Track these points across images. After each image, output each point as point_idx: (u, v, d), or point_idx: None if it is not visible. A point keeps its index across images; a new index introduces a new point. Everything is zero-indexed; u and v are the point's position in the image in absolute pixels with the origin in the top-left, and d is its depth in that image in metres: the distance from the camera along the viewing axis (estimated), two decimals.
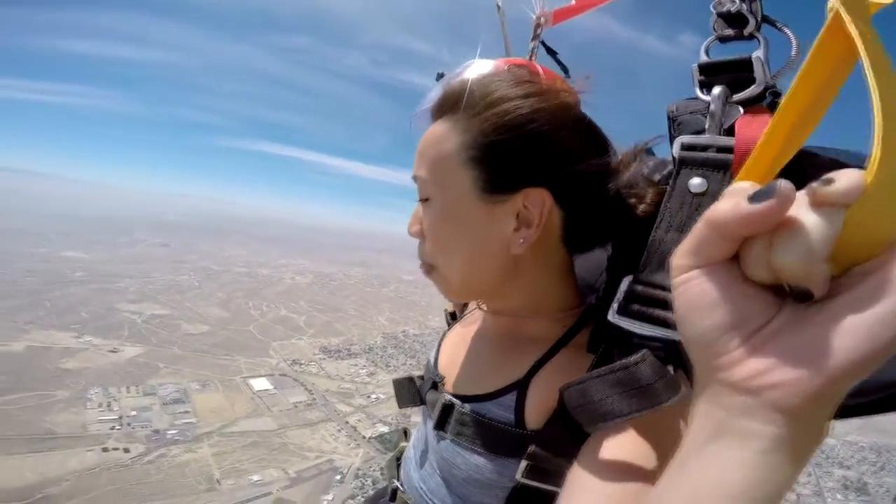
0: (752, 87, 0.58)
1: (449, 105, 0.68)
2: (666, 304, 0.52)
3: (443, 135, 0.67)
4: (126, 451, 43.93)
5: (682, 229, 0.55)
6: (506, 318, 0.77)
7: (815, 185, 0.28)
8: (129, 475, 41.12)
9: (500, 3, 1.37)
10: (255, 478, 44.47)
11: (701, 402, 0.35)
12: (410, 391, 0.88)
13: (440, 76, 1.15)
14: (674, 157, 0.59)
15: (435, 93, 1.12)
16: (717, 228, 0.32)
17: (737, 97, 0.59)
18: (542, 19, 1.36)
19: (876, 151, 0.26)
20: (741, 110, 0.58)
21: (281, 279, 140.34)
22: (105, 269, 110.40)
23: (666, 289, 0.53)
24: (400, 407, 0.90)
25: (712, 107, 0.59)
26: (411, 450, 0.89)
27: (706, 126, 0.59)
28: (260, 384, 64.01)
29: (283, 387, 64.80)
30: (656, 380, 0.50)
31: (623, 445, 0.51)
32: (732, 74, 0.60)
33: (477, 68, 1.06)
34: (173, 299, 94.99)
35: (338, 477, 46.51)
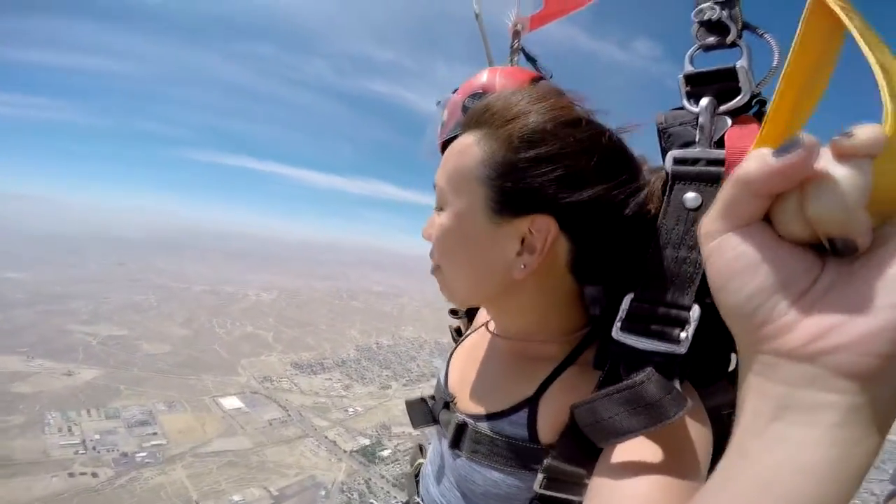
0: (738, 97, 0.58)
1: (475, 119, 0.67)
2: (666, 320, 0.54)
3: (466, 147, 0.66)
4: (94, 475, 41.21)
5: (679, 245, 0.55)
6: (512, 340, 0.77)
7: (836, 138, 0.27)
8: (101, 500, 38.64)
9: (477, 12, 1.46)
10: (236, 498, 42.57)
11: (751, 379, 0.33)
12: (423, 411, 0.88)
13: (439, 104, 1.24)
14: (666, 172, 0.59)
15: (437, 121, 1.25)
16: (746, 185, 0.30)
17: (724, 108, 0.59)
18: (520, 25, 1.46)
19: (887, 103, 0.27)
20: (729, 122, 0.58)
21: (245, 296, 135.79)
22: (52, 290, 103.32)
23: (665, 305, 0.55)
24: (414, 427, 0.89)
25: (701, 119, 0.59)
26: (428, 466, 0.89)
27: (696, 139, 0.59)
28: (230, 403, 61.47)
29: (256, 405, 62.45)
30: (662, 396, 0.50)
31: (636, 456, 0.52)
32: (718, 84, 0.60)
33: (469, 86, 1.14)
34: (131, 319, 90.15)
35: (322, 492, 45.18)
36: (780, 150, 0.28)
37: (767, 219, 0.32)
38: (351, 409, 65.09)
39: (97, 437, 46.84)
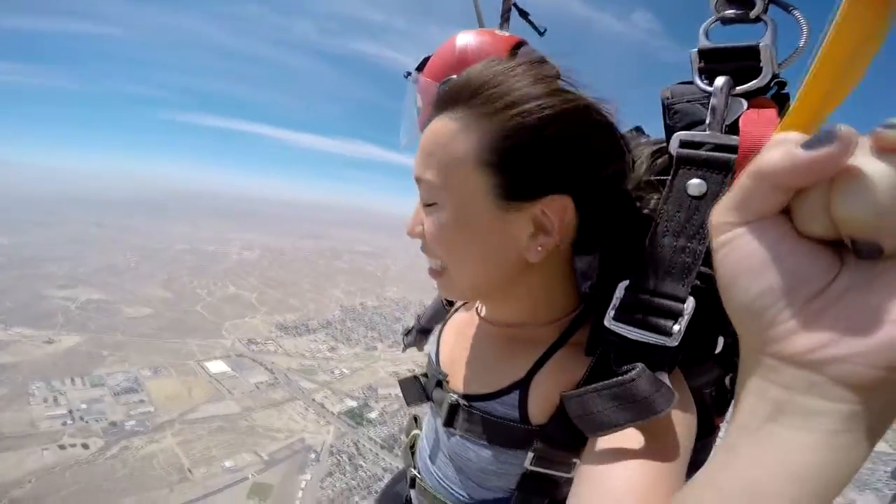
0: (758, 78, 0.53)
1: (460, 98, 0.60)
2: (660, 312, 0.53)
3: (454, 134, 0.60)
4: (85, 446, 41.68)
5: (679, 234, 0.54)
6: (504, 328, 0.76)
7: (878, 130, 0.25)
8: (95, 472, 39.19)
9: None
10: (228, 463, 43.73)
11: (752, 379, 0.32)
12: (416, 390, 0.89)
13: (408, 76, 1.19)
14: (671, 154, 0.56)
15: (412, 94, 1.20)
16: (768, 178, 0.28)
17: (740, 89, 0.54)
18: None
19: None
20: (745, 104, 0.54)
21: (227, 255, 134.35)
22: (28, 252, 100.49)
23: (661, 296, 0.53)
24: (408, 405, 0.91)
25: (714, 101, 0.55)
26: (424, 440, 0.91)
27: (707, 121, 0.55)
28: (216, 367, 62.09)
29: (242, 368, 63.20)
30: (652, 393, 0.50)
31: (623, 444, 0.53)
32: (736, 63, 0.55)
33: (441, 63, 1.08)
34: (109, 282, 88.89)
35: (312, 455, 46.60)
36: (812, 142, 0.25)
37: (785, 210, 0.29)
38: (337, 371, 66.38)
39: (84, 406, 47.16)
